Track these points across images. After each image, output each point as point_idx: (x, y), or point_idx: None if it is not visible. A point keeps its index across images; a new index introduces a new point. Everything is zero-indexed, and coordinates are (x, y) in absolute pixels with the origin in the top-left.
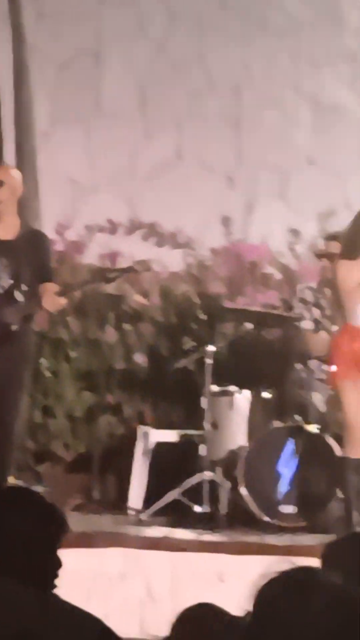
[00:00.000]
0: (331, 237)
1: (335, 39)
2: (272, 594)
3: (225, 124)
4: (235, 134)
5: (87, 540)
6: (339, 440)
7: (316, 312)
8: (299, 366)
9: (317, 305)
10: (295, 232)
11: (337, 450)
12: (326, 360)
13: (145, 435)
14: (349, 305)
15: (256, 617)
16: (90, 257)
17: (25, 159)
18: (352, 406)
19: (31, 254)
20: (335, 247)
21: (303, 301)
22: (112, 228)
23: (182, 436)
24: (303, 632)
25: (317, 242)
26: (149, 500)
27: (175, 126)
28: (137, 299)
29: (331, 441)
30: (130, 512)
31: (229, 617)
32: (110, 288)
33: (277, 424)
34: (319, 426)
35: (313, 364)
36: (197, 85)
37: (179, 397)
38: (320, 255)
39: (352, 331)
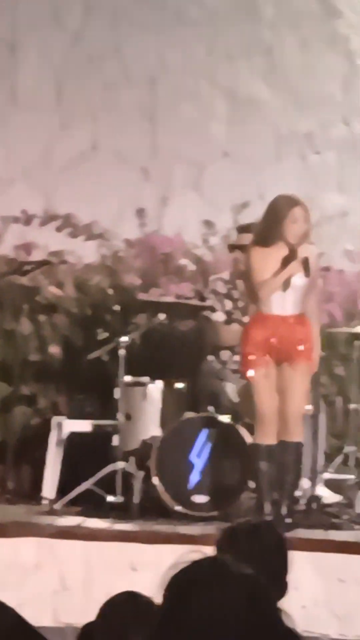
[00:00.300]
0: (243, 229)
1: (250, 31)
2: (182, 583)
3: (141, 115)
4: (150, 126)
5: (1, 530)
6: (251, 430)
7: (228, 304)
8: (211, 357)
9: (229, 296)
10: (209, 224)
11: (249, 440)
12: (238, 350)
13: (59, 425)
14: (261, 294)
15: (167, 606)
16: (5, 248)
17: None
18: (262, 395)
19: None
20: (248, 239)
21: (215, 292)
22: (26, 219)
23: (96, 426)
24: (213, 621)
25: (230, 234)
26: (62, 490)
27: (90, 117)
28: (52, 290)
29: (243, 431)
30: (44, 501)
31: (153, 605)
32: (24, 279)
33: (189, 414)
34: (231, 416)
35: (225, 354)
36: (113, 76)
37: (92, 388)
38: (232, 247)
39: (264, 320)
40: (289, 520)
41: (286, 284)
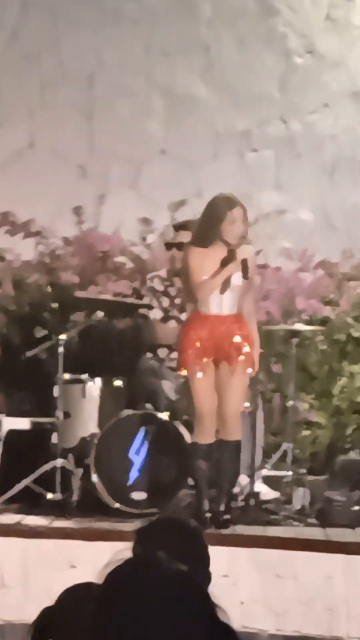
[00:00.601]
0: (180, 227)
1: (187, 29)
2: (116, 580)
3: (78, 113)
4: (87, 124)
5: None
6: (190, 427)
7: (165, 301)
8: (149, 354)
9: (166, 294)
10: (146, 222)
11: (187, 438)
12: (176, 347)
13: None
14: (199, 294)
15: (101, 604)
16: None
17: None
18: (201, 394)
19: None
20: (185, 236)
21: (152, 290)
22: None
23: (34, 424)
24: (147, 618)
25: (168, 231)
26: (1, 488)
27: (27, 115)
28: None
29: (181, 428)
30: None
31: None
32: None
33: (128, 411)
34: (169, 413)
35: (163, 352)
36: (50, 74)
37: (31, 386)
38: (169, 245)
39: (201, 320)
40: (227, 517)
41: (225, 285)
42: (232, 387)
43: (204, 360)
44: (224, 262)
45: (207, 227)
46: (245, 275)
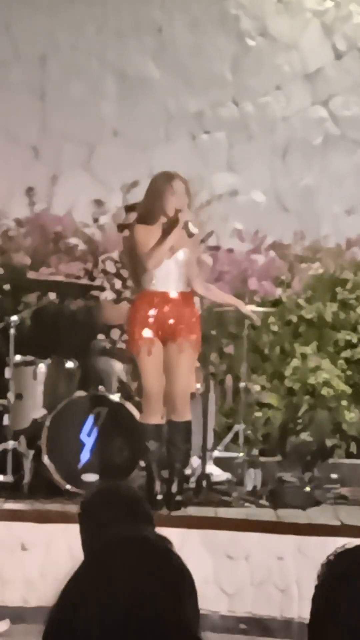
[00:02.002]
0: (132, 208)
1: (140, 10)
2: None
3: (31, 94)
4: (40, 105)
5: None
6: (141, 408)
7: (118, 283)
8: (101, 336)
9: (118, 275)
10: (99, 203)
11: (138, 418)
12: (125, 328)
13: None
14: (148, 264)
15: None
16: None
17: None
18: (148, 374)
19: None
20: (134, 217)
21: (105, 272)
22: None
23: None
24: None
25: (120, 213)
26: None
27: None
28: None
29: (132, 409)
30: None
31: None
32: None
33: (80, 393)
34: (120, 395)
35: (115, 333)
36: (3, 55)
37: None
38: (122, 227)
39: (148, 297)
40: (179, 498)
41: (172, 251)
42: (179, 367)
43: (150, 338)
44: (167, 228)
45: (150, 203)
46: (189, 234)
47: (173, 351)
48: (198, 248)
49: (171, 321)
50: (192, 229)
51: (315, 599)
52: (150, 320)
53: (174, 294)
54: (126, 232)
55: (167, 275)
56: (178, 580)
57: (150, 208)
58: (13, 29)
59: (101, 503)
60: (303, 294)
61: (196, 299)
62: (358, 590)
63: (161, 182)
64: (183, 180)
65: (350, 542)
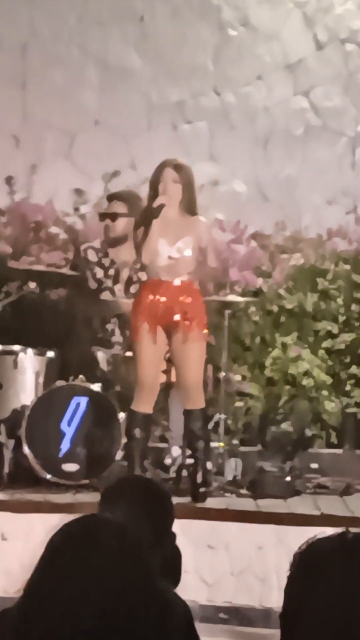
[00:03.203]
0: (113, 197)
1: None
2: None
3: (11, 82)
4: (21, 93)
5: None
6: (122, 399)
7: (99, 272)
8: (82, 326)
9: (100, 265)
10: (80, 192)
11: (119, 409)
12: (109, 319)
13: None
14: (142, 259)
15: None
16: None
17: None
18: (144, 362)
19: None
20: (118, 207)
21: (86, 261)
22: None
23: None
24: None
25: (102, 202)
26: None
27: None
28: None
29: (113, 400)
30: None
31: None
32: None
33: (60, 382)
34: (101, 385)
35: (96, 323)
36: None
37: None
38: (103, 216)
39: (152, 286)
40: (204, 489)
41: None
42: (188, 357)
43: (151, 327)
44: (147, 219)
45: (149, 191)
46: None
47: (179, 341)
48: (207, 234)
49: (175, 310)
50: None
51: (287, 589)
52: (153, 309)
53: (177, 283)
54: (107, 221)
55: (170, 265)
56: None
57: (146, 200)
58: None
59: (123, 495)
60: (284, 284)
61: None
62: (329, 580)
63: (155, 171)
64: (178, 167)
65: (323, 531)
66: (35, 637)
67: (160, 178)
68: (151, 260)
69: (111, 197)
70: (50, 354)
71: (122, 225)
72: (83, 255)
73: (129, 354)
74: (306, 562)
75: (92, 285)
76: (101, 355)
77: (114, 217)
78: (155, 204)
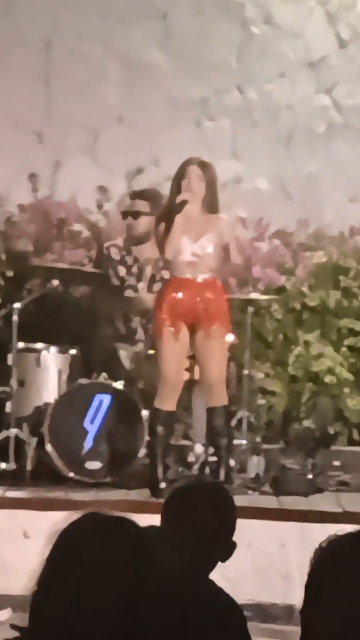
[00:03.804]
0: (136, 195)
1: None
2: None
3: (35, 79)
4: (44, 90)
5: None
6: (145, 396)
7: (122, 270)
8: (105, 323)
9: (122, 262)
10: (103, 190)
11: (142, 407)
12: (132, 316)
13: None
14: (165, 255)
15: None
16: None
17: None
18: (168, 360)
19: None
20: (141, 205)
21: (109, 259)
22: None
23: None
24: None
25: (124, 199)
26: None
27: None
28: None
29: (136, 397)
30: None
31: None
32: None
33: (83, 380)
34: (124, 382)
35: (119, 320)
36: (7, 38)
37: None
38: (125, 214)
39: (175, 283)
40: (227, 487)
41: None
42: (211, 354)
43: (174, 324)
44: (171, 215)
45: (172, 188)
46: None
47: (202, 338)
48: (230, 232)
49: (199, 307)
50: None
51: (308, 586)
52: (176, 306)
53: (200, 280)
54: (130, 220)
55: (193, 262)
56: None
57: (172, 193)
58: (17, 13)
59: (189, 501)
60: (306, 281)
61: None
62: (349, 576)
63: (179, 168)
64: (203, 165)
65: (343, 528)
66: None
67: (185, 175)
68: (174, 256)
69: (134, 196)
70: (73, 351)
71: (144, 223)
72: (106, 252)
73: (151, 351)
74: (326, 559)
75: (115, 282)
76: (124, 353)
77: (136, 215)
78: (178, 199)
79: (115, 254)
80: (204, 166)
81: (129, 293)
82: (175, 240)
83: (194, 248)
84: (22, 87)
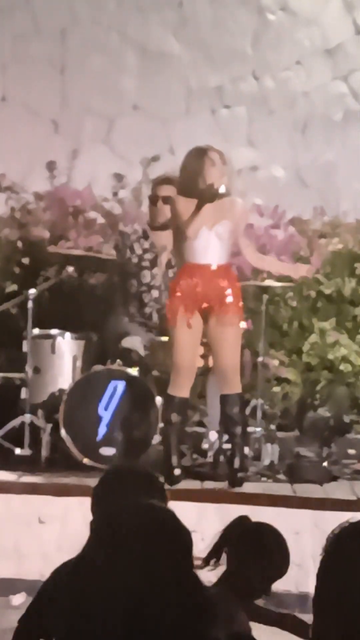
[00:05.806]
0: (163, 181)
1: None
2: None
3: (51, 67)
4: (60, 78)
5: None
6: (160, 383)
7: (137, 256)
8: (120, 310)
9: (138, 249)
10: (119, 177)
11: (156, 393)
12: (147, 302)
13: None
14: (188, 231)
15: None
16: None
17: None
18: (182, 346)
19: None
20: (167, 190)
21: (124, 245)
22: None
23: (4, 379)
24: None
25: (140, 187)
26: None
27: (0, 69)
28: None
29: (150, 384)
30: None
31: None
32: None
33: (97, 367)
34: (138, 369)
35: (133, 307)
36: (23, 28)
37: (0, 341)
38: (154, 198)
39: (188, 269)
40: (242, 475)
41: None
42: (224, 341)
43: (188, 311)
44: (202, 200)
45: (190, 176)
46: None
47: (215, 325)
48: (244, 219)
49: (212, 294)
50: (222, 189)
51: (320, 573)
52: (189, 292)
53: (214, 267)
54: (159, 204)
55: (208, 248)
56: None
57: (191, 182)
58: (34, 2)
59: (114, 481)
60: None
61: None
62: None
63: (199, 156)
64: (218, 151)
65: (356, 516)
66: (86, 594)
67: (208, 160)
68: (189, 242)
69: (161, 181)
70: (88, 338)
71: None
72: (121, 239)
73: (164, 338)
74: (338, 546)
75: (131, 269)
76: (138, 340)
77: (165, 199)
78: (210, 187)
79: (130, 241)
80: (220, 152)
81: (144, 279)
82: (198, 225)
83: (209, 235)
84: (39, 76)
